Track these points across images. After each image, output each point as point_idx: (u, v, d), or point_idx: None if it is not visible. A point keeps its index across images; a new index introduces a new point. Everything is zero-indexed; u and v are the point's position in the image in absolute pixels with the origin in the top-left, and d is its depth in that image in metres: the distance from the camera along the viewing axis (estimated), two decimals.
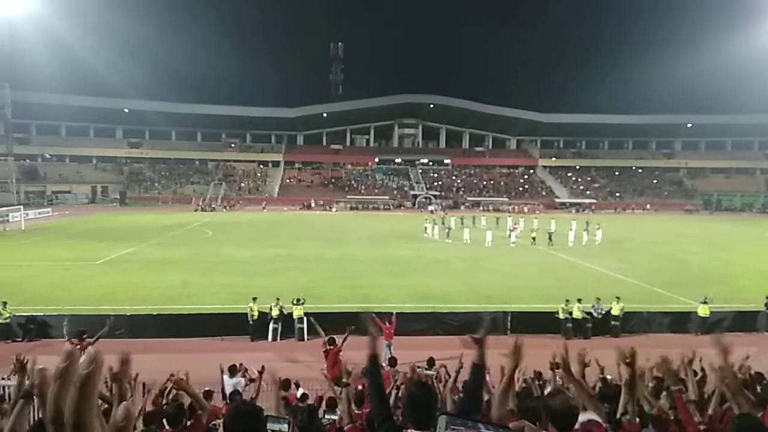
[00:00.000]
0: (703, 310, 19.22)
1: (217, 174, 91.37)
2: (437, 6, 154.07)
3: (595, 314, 19.30)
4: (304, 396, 9.57)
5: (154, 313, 18.90)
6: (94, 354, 1.25)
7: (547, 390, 7.64)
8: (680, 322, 19.69)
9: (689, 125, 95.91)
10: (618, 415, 3.83)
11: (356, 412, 7.45)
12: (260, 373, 8.72)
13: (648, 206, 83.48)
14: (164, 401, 6.97)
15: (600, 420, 3.50)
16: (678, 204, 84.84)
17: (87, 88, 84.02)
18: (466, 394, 3.18)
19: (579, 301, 19.14)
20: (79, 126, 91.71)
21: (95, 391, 1.23)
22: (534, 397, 6.61)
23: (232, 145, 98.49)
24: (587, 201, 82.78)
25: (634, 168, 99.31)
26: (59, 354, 1.22)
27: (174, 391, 6.97)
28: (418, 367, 10.64)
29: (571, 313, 18.82)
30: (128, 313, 18.75)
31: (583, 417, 3.33)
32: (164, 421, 5.33)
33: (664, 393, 5.36)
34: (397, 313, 17.29)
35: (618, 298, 19.51)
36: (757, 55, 75.09)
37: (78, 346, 11.88)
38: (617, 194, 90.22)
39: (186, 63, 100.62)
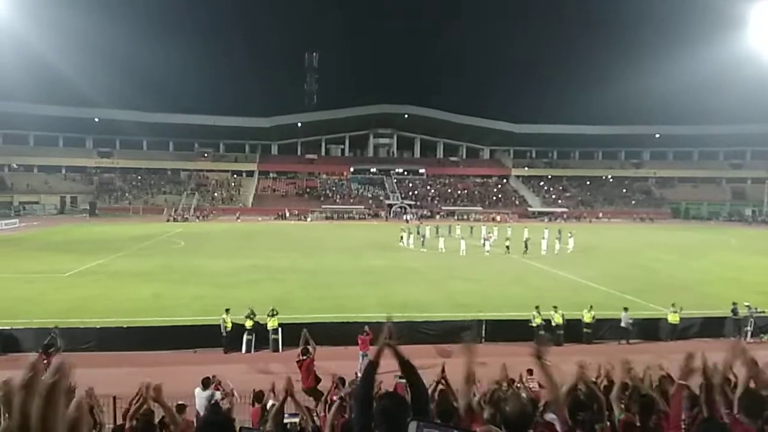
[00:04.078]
0: (672, 317, 19.63)
1: (189, 184, 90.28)
2: (412, 17, 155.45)
3: (623, 324, 19.43)
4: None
5: (125, 326, 18.59)
6: (59, 364, 1.32)
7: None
8: (650, 328, 20.07)
9: (657, 136, 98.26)
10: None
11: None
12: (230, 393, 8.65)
13: (600, 215, 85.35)
14: (136, 414, 6.83)
15: (556, 423, 3.56)
16: (643, 212, 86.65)
17: (56, 96, 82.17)
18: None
19: (555, 308, 19.43)
20: (47, 135, 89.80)
21: (60, 398, 1.29)
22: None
23: (205, 155, 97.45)
24: (559, 210, 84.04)
25: (604, 177, 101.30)
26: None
27: (146, 404, 6.84)
28: (394, 376, 10.62)
29: (549, 321, 19.04)
30: (98, 326, 18.41)
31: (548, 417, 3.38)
32: None
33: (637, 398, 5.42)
34: (373, 323, 17.24)
35: (591, 306, 19.85)
36: (723, 67, 77.28)
37: (45, 361, 11.62)
38: (588, 203, 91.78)
39: (158, 71, 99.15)
